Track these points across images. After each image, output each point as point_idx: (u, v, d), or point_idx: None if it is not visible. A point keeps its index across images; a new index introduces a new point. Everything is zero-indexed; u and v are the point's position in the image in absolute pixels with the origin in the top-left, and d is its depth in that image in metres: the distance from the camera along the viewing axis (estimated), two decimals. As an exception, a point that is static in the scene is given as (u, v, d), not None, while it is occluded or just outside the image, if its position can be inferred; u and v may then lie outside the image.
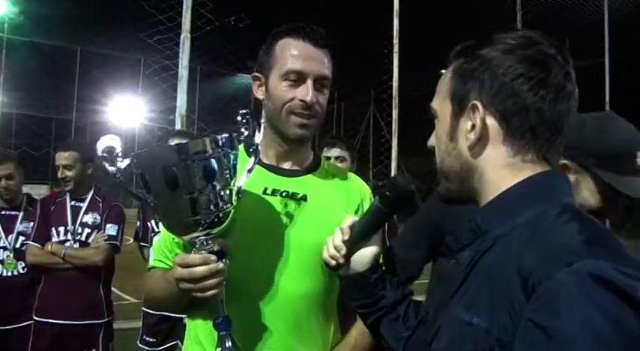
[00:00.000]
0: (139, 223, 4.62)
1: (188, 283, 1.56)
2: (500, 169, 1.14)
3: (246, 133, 1.65)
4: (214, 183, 1.52)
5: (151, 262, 1.95)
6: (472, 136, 1.15)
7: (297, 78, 1.77)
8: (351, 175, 2.05)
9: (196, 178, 1.49)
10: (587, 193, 1.85)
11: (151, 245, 4.38)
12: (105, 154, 1.51)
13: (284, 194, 1.81)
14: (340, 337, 1.93)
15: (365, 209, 1.85)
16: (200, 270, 1.53)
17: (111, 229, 4.43)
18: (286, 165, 1.89)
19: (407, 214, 1.71)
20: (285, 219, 1.80)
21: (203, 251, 1.57)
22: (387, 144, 12.34)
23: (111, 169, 1.52)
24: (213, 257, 1.56)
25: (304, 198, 1.82)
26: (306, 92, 1.76)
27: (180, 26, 7.02)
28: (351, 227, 1.55)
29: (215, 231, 1.59)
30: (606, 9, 17.46)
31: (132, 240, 4.81)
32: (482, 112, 1.13)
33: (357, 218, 1.57)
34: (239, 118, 1.66)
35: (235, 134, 1.61)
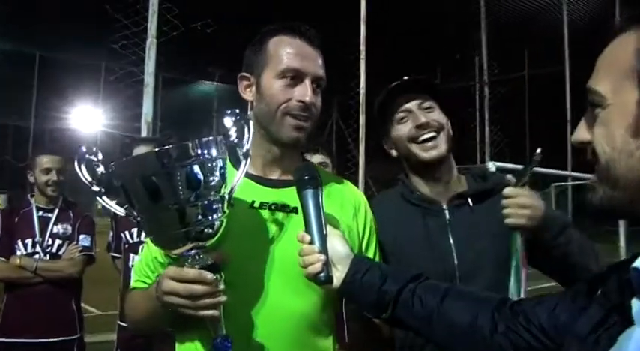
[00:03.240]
0: (111, 233, 4.49)
1: (181, 299, 1.46)
2: None
3: (234, 135, 1.55)
4: (201, 191, 1.42)
5: (133, 283, 1.83)
6: None
7: (295, 77, 1.68)
8: (346, 183, 1.97)
9: (181, 187, 1.39)
10: None
11: (124, 256, 4.27)
12: (83, 166, 1.44)
13: (273, 207, 1.72)
14: None
15: (359, 218, 1.85)
16: (199, 288, 1.44)
17: (84, 240, 4.32)
18: (274, 175, 1.79)
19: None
20: (275, 234, 1.70)
21: (196, 266, 1.47)
22: (351, 152, 12.33)
23: (90, 181, 1.45)
24: (210, 275, 1.45)
25: (295, 210, 1.71)
26: (304, 92, 1.67)
27: (146, 31, 6.91)
28: (304, 231, 1.56)
29: (208, 243, 1.49)
30: (565, 19, 17.86)
31: (97, 249, 4.67)
32: None
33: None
34: (227, 119, 1.55)
35: (221, 137, 1.50)
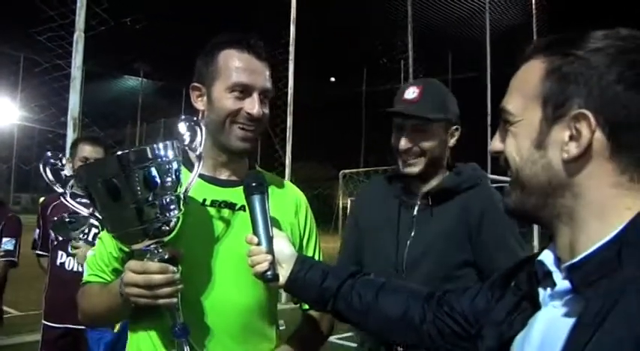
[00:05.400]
0: (37, 230, 4.36)
1: (140, 289, 1.56)
2: (606, 189, 1.00)
3: (188, 140, 1.66)
4: (158, 191, 1.53)
5: (86, 277, 1.88)
6: (573, 149, 1.00)
7: (244, 91, 1.78)
8: (287, 183, 2.10)
9: (138, 188, 1.49)
10: None
11: (51, 254, 4.18)
12: (49, 169, 1.54)
13: (222, 205, 1.82)
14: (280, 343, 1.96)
15: (300, 215, 2.00)
16: (158, 278, 1.54)
17: (7, 244, 4.17)
18: (224, 175, 1.89)
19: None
20: (224, 230, 1.81)
21: (155, 259, 1.57)
22: (279, 151, 12.41)
23: (54, 183, 1.55)
24: (172, 267, 1.57)
25: (242, 208, 1.81)
26: (253, 105, 1.77)
27: (72, 24, 6.76)
28: (252, 233, 1.66)
29: (165, 239, 1.60)
30: (488, 25, 18.46)
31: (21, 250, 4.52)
32: (594, 123, 0.98)
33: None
34: (181, 124, 1.67)
35: (177, 141, 1.61)
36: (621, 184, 0.99)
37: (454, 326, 1.41)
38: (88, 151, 4.04)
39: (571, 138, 1.00)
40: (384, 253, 2.24)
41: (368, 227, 2.38)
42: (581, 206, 1.02)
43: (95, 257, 1.86)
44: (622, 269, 0.93)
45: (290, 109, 11.13)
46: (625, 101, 0.97)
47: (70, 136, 6.27)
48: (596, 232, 0.99)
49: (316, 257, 1.98)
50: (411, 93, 2.21)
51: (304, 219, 2.01)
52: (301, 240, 1.98)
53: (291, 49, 11.23)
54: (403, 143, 2.21)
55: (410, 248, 2.20)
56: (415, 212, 2.26)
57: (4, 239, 4.18)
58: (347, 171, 18.40)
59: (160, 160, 1.51)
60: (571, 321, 0.96)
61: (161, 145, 1.53)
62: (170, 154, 1.54)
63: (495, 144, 1.15)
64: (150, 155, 1.50)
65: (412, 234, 2.22)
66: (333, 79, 40.99)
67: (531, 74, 1.07)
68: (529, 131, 1.06)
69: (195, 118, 1.71)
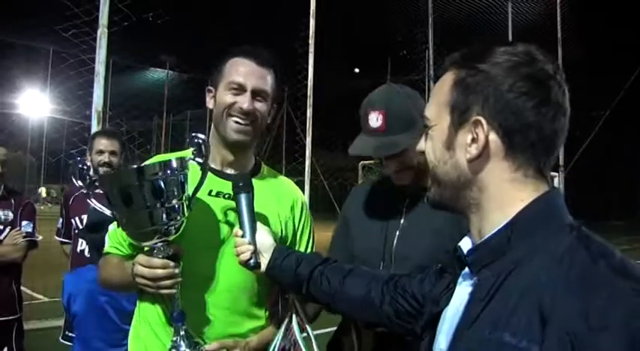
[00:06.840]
0: (61, 219, 4.60)
1: (147, 280, 1.83)
2: (504, 184, 1.17)
3: (196, 158, 1.90)
4: (166, 199, 1.78)
5: (107, 248, 2.16)
6: (473, 151, 1.17)
7: (238, 88, 2.03)
8: (285, 180, 2.34)
9: (150, 196, 1.75)
10: None
11: (73, 241, 4.42)
12: (77, 172, 1.81)
13: (226, 196, 2.05)
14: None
15: (295, 210, 2.22)
16: (160, 272, 1.81)
17: (27, 226, 4.43)
18: (230, 170, 2.14)
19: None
20: (226, 219, 2.05)
21: (160, 255, 1.83)
22: (301, 142, 12.50)
23: (81, 185, 1.83)
24: (172, 263, 1.83)
25: None
26: (244, 100, 2.02)
27: (97, 20, 6.87)
28: (239, 227, 1.90)
29: (170, 238, 1.85)
30: (510, 17, 18.35)
31: (40, 237, 4.77)
32: (487, 128, 1.15)
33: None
34: (191, 141, 1.91)
35: (183, 158, 1.87)
36: (516, 180, 1.17)
37: (407, 306, 1.61)
38: (103, 144, 4.24)
39: (473, 141, 1.17)
40: (372, 245, 2.20)
41: (357, 220, 2.33)
42: (485, 199, 1.20)
43: (115, 232, 2.11)
44: (511, 251, 1.12)
45: (310, 102, 11.22)
46: (514, 108, 1.13)
47: (94, 128, 6.41)
48: (496, 221, 1.17)
49: (309, 249, 2.22)
50: (375, 121, 2.11)
51: (299, 214, 2.23)
52: (295, 232, 2.21)
53: (311, 41, 11.24)
54: (387, 171, 2.20)
55: (399, 240, 2.16)
56: (407, 202, 2.20)
57: (24, 222, 4.44)
58: (366, 162, 18.48)
59: (171, 173, 1.78)
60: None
61: (173, 160, 1.81)
62: (176, 169, 1.80)
63: (421, 145, 1.33)
64: (160, 169, 1.77)
65: (401, 225, 2.17)
66: (357, 70, 40.92)
67: (444, 85, 1.24)
68: (441, 135, 1.24)
69: (203, 136, 1.93)
